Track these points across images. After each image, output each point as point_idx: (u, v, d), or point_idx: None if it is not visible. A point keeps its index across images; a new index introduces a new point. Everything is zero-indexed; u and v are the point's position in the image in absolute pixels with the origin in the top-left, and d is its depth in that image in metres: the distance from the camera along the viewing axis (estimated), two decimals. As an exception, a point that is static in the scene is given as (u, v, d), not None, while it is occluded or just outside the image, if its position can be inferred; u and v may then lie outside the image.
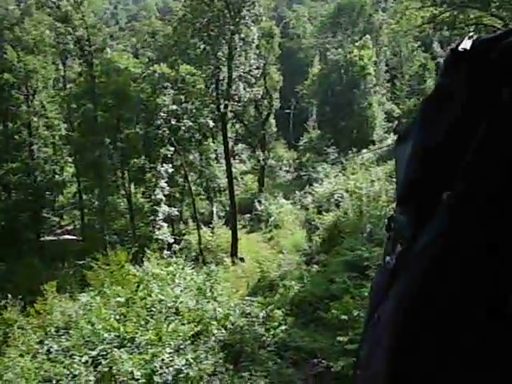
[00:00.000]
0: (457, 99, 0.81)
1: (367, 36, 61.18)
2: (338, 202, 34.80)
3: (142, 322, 18.58)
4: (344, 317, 17.69)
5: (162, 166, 39.90)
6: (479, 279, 0.74)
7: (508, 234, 0.73)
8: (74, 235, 44.70)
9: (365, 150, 47.34)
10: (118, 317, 18.99)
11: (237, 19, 40.72)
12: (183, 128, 41.86)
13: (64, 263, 37.64)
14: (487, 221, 0.74)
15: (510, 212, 0.73)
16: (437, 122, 0.82)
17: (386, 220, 0.95)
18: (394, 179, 0.95)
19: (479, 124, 0.77)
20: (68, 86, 46.35)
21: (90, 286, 23.96)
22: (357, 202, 31.12)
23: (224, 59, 41.72)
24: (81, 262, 31.25)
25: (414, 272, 0.81)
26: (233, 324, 19.50)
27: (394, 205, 0.97)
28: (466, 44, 0.82)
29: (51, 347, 17.72)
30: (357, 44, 59.92)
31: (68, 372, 15.91)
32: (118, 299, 20.60)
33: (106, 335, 17.40)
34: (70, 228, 47.33)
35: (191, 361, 16.23)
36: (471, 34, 0.84)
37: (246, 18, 41.06)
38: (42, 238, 43.65)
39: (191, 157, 44.65)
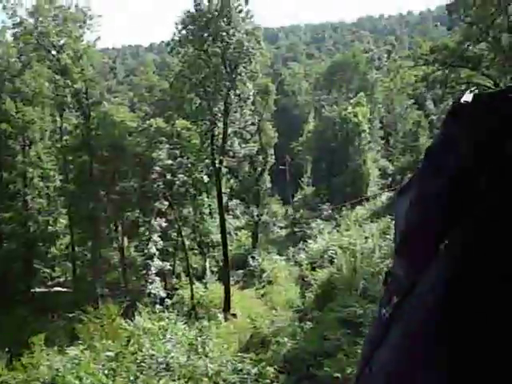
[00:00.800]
0: (458, 151, 0.80)
1: (362, 93, 62.06)
2: (331, 259, 34.68)
3: (132, 378, 18.27)
4: (337, 375, 17.45)
5: (156, 220, 39.85)
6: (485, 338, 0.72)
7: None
8: (65, 287, 44.22)
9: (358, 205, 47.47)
10: (107, 372, 18.67)
11: (233, 75, 41.32)
12: (178, 182, 41.96)
13: (54, 315, 37.17)
14: (486, 270, 0.73)
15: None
16: (437, 173, 0.81)
17: (383, 274, 0.93)
18: (393, 233, 0.93)
19: (480, 176, 0.76)
20: (64, 138, 46.55)
21: (80, 340, 23.63)
22: (350, 259, 31.01)
23: (219, 115, 42.12)
24: (71, 315, 30.88)
25: (409, 322, 0.80)
26: (224, 381, 19.20)
27: (390, 260, 0.95)
28: (468, 97, 0.82)
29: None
30: (351, 101, 60.76)
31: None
32: (108, 353, 20.29)
33: (94, 391, 17.06)
34: (61, 280, 46.85)
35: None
36: (473, 88, 0.82)
37: (242, 74, 41.66)
38: (33, 290, 43.15)
39: (185, 211, 44.62)
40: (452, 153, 0.81)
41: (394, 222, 0.93)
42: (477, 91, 0.83)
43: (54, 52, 43.72)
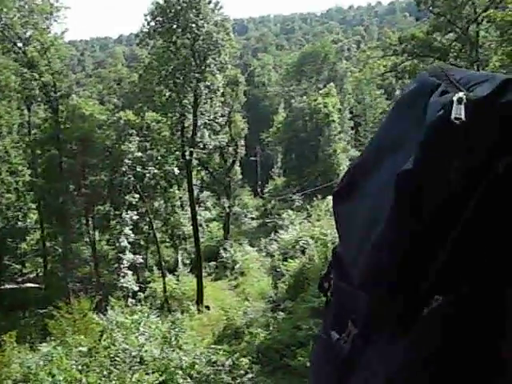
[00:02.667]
0: (445, 177, 0.73)
1: (331, 84, 62.31)
2: (303, 249, 34.80)
3: (106, 372, 18.18)
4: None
5: (127, 213, 39.61)
6: None
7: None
8: (36, 283, 43.78)
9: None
10: (80, 367, 18.56)
11: (202, 67, 41.18)
12: (148, 175, 41.76)
13: (25, 312, 36.82)
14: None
15: None
16: (415, 211, 0.74)
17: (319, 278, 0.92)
18: (337, 240, 0.90)
19: (469, 200, 0.72)
20: (33, 132, 45.96)
21: (52, 336, 23.45)
22: (322, 249, 31.17)
23: (189, 106, 41.99)
24: (42, 311, 30.61)
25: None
26: (199, 373, 19.23)
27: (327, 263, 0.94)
28: (459, 111, 0.74)
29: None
30: (321, 92, 60.90)
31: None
32: (81, 349, 20.17)
33: (67, 387, 16.97)
34: (32, 276, 46.35)
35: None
36: (460, 95, 0.75)
37: (212, 65, 41.53)
38: (3, 286, 42.64)
39: (156, 204, 44.45)
40: (436, 180, 0.74)
41: (339, 236, 0.90)
42: (464, 97, 0.75)
43: (20, 44, 42.99)
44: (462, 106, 0.74)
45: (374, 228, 0.78)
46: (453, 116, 0.73)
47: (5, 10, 41.93)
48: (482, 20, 29.55)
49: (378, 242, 0.77)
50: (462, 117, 0.73)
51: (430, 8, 32.54)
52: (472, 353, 0.71)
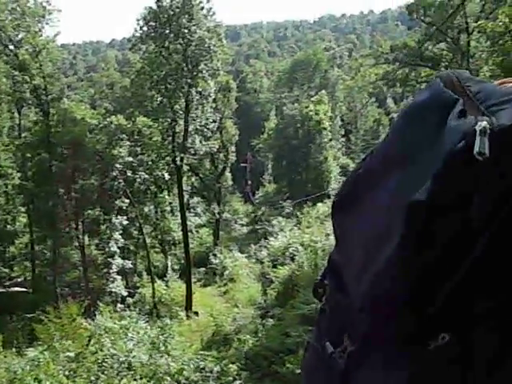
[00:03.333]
0: (465, 211, 0.69)
1: (323, 91, 62.46)
2: (293, 256, 34.78)
3: (93, 378, 18.08)
4: (299, 371, 17.53)
5: (117, 218, 39.50)
6: None
7: None
8: (24, 287, 43.53)
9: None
10: (67, 373, 18.45)
11: (194, 73, 41.18)
12: (139, 180, 41.68)
13: (12, 316, 36.57)
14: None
15: None
16: (432, 236, 0.71)
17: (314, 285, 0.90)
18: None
19: (483, 235, 0.69)
20: (23, 135, 45.80)
21: (39, 341, 23.29)
22: (312, 256, 31.18)
23: (181, 112, 41.97)
24: (30, 315, 30.40)
25: None
26: (187, 379, 19.16)
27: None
28: (483, 145, 0.67)
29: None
30: (313, 99, 60.99)
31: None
32: (68, 354, 20.05)
33: (54, 392, 16.86)
34: (20, 280, 46.09)
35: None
36: (484, 125, 0.67)
37: (204, 71, 41.52)
38: (-10, 290, 42.42)
39: (146, 209, 44.35)
40: (451, 215, 0.70)
41: (337, 243, 0.88)
42: (487, 126, 0.68)
43: (11, 47, 42.82)
44: (486, 140, 0.67)
45: (379, 249, 0.75)
46: (476, 150, 0.67)
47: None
48: (473, 30, 29.76)
49: (384, 270, 0.74)
50: (487, 152, 0.67)
51: (422, 17, 32.76)
52: None
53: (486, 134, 0.68)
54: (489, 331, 0.70)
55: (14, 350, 24.13)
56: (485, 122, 0.68)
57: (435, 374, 0.71)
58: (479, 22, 27.32)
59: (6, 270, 46.07)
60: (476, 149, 0.67)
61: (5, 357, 22.06)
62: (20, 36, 42.81)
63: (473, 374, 0.70)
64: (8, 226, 45.15)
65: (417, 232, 0.71)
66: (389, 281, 0.74)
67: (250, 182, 71.11)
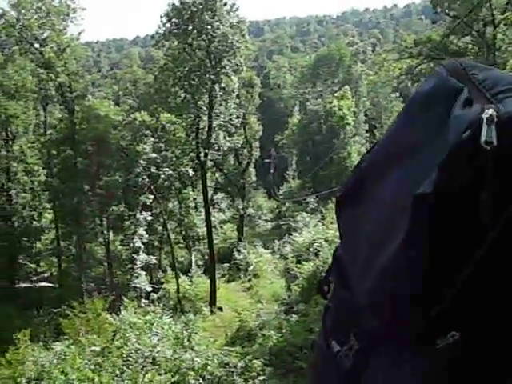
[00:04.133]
0: (468, 201, 0.67)
1: (346, 86, 62.14)
2: (317, 251, 34.69)
3: (118, 372, 18.21)
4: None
5: (141, 214, 39.70)
6: None
7: None
8: (50, 282, 44.00)
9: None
10: (93, 366, 18.59)
11: (217, 69, 41.20)
12: (163, 176, 41.81)
13: (39, 311, 37.00)
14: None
15: None
16: (440, 231, 0.69)
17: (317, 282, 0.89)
18: (340, 246, 0.84)
19: (492, 229, 0.66)
20: (48, 132, 46.21)
21: (65, 335, 23.53)
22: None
23: (204, 108, 42.03)
24: (56, 310, 30.75)
25: None
26: (211, 374, 19.20)
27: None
28: (491, 133, 0.64)
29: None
30: (336, 94, 60.74)
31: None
32: (94, 348, 20.22)
33: (80, 386, 17.02)
34: (46, 275, 46.55)
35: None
36: (490, 112, 0.65)
37: (227, 67, 41.54)
38: (18, 285, 42.89)
39: (170, 205, 44.53)
40: (458, 207, 0.68)
41: (341, 239, 0.86)
42: (495, 115, 0.65)
43: (37, 45, 43.24)
44: (494, 129, 0.64)
45: (383, 247, 0.73)
46: (482, 140, 0.64)
47: (23, 11, 42.26)
48: (500, 22, 29.37)
49: (389, 267, 0.73)
50: (494, 141, 0.64)
51: (446, 11, 32.39)
52: None
53: (493, 123, 0.65)
54: (495, 330, 0.68)
55: (41, 343, 24.41)
56: (491, 110, 0.65)
57: (442, 372, 0.70)
58: (506, 14, 27.02)
59: (33, 266, 46.57)
60: (483, 138, 0.64)
61: (32, 350, 22.29)
62: (45, 34, 43.20)
63: (480, 373, 0.69)
64: (34, 222, 45.59)
65: (423, 227, 0.69)
66: (394, 278, 0.72)
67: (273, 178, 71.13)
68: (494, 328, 0.68)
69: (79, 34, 45.48)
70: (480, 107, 0.67)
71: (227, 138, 44.73)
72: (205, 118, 42.08)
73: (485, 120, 0.65)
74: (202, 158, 41.71)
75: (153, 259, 40.57)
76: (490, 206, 0.65)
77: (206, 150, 41.66)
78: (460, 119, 0.68)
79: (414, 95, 0.81)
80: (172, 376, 18.39)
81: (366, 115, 73.05)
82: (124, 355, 19.46)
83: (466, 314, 0.69)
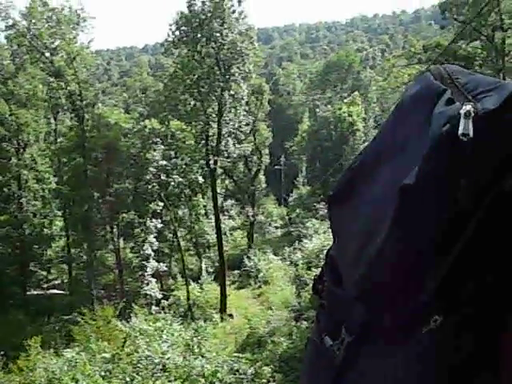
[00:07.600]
0: (453, 192, 0.70)
1: (356, 93, 62.18)
2: (327, 258, 34.58)
3: (128, 379, 18.24)
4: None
5: (151, 221, 39.78)
6: None
7: None
8: (61, 289, 44.19)
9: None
10: (103, 373, 18.65)
11: (227, 76, 41.30)
12: (173, 183, 41.91)
13: (50, 318, 37.13)
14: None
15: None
16: (422, 219, 0.72)
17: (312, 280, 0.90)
18: (333, 246, 0.88)
19: (472, 217, 0.70)
20: (59, 140, 46.55)
21: (76, 342, 23.61)
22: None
23: (214, 115, 42.11)
24: (67, 317, 30.87)
25: None
26: (221, 381, 19.21)
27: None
28: (467, 126, 0.69)
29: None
30: (346, 101, 60.78)
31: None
32: (104, 355, 20.27)
33: (90, 392, 17.06)
34: (57, 282, 46.78)
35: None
36: (468, 108, 0.71)
37: (236, 74, 41.61)
38: (29, 292, 43.09)
39: (180, 212, 44.61)
40: (439, 197, 0.71)
41: (334, 238, 0.88)
42: (471, 109, 0.71)
43: (47, 54, 43.53)
44: (470, 122, 0.70)
45: (372, 239, 0.75)
46: (460, 132, 0.69)
47: (33, 21, 42.58)
48: (509, 27, 29.31)
49: (375, 258, 0.75)
50: (470, 133, 0.69)
51: (455, 16, 32.36)
52: (467, 374, 0.71)
53: (470, 117, 0.70)
54: (473, 313, 0.71)
55: (51, 350, 24.47)
56: (469, 106, 0.70)
57: (429, 357, 0.71)
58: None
59: (44, 273, 46.83)
60: (460, 130, 0.69)
61: (43, 357, 22.37)
62: (55, 43, 43.51)
63: (462, 356, 0.71)
64: (45, 230, 45.81)
65: (408, 216, 0.72)
66: (381, 268, 0.74)
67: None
68: (479, 309, 0.70)
69: (89, 42, 45.67)
70: (459, 104, 0.72)
71: (237, 145, 44.78)
72: (214, 125, 42.15)
73: (462, 114, 0.70)
74: (212, 165, 41.77)
75: (163, 266, 40.61)
76: (469, 191, 0.69)
77: (216, 157, 41.71)
78: (441, 115, 0.72)
79: (402, 98, 0.84)
80: (182, 382, 18.41)
81: (375, 121, 72.98)
82: (134, 362, 19.51)
83: (451, 297, 0.71)
